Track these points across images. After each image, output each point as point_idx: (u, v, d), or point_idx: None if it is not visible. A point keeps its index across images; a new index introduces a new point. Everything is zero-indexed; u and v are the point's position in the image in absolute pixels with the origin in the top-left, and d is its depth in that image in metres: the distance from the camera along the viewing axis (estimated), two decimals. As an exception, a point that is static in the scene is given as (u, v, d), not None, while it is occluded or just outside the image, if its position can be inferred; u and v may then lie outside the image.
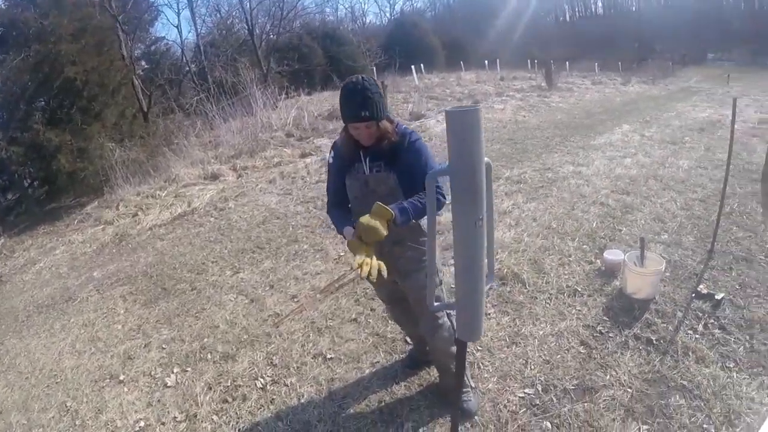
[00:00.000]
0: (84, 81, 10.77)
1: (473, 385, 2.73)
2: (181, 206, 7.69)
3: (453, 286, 1.54)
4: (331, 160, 2.34)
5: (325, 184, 2.38)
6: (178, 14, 27.51)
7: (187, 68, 24.07)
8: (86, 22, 11.87)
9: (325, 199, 2.46)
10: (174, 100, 19.11)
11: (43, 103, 11.41)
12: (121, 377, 3.38)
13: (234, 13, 29.69)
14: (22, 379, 3.66)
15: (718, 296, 3.43)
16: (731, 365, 2.79)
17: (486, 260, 1.42)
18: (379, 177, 2.17)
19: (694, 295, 3.54)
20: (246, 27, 26.93)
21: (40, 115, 10.76)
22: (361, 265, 1.86)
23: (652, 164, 7.24)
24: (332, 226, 5.57)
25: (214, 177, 9.30)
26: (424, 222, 2.29)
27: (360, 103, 1.98)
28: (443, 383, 2.71)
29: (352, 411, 2.71)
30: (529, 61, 29.74)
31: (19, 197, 11.57)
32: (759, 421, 2.38)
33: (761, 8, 46.27)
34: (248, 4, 26.16)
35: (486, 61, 28.13)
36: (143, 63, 22.49)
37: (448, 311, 2.40)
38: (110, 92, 11.92)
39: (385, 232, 1.88)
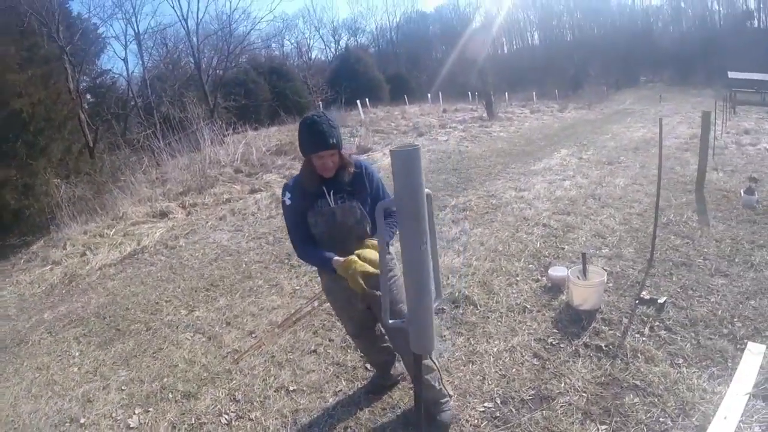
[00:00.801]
0: (30, 114, 10.53)
1: (451, 394, 2.87)
2: (131, 245, 7.57)
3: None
4: (288, 202, 2.37)
5: (282, 223, 2.47)
6: (125, 47, 27.10)
7: (134, 102, 23.72)
8: (34, 51, 11.70)
9: (277, 235, 2.56)
10: (120, 135, 18.80)
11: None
12: (82, 420, 3.33)
13: (181, 47, 29.65)
14: (-24, 428, 3.54)
15: (661, 300, 3.64)
16: (680, 362, 2.97)
17: (432, 280, 1.61)
18: (345, 207, 2.32)
19: (637, 301, 3.74)
20: (192, 61, 26.81)
21: (-18, 149, 10.33)
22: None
23: (590, 185, 7.62)
24: (288, 261, 5.73)
25: (163, 215, 9.20)
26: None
27: (328, 132, 2.14)
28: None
29: (319, 440, 2.78)
30: (469, 93, 30.78)
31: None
32: (713, 409, 2.52)
33: (688, 30, 49.76)
34: (195, 38, 26.11)
35: (429, 95, 29.03)
36: (89, 96, 22.06)
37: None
38: (56, 126, 11.69)
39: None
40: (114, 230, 8.33)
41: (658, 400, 2.66)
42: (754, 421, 2.40)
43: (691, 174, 7.19)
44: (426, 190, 1.51)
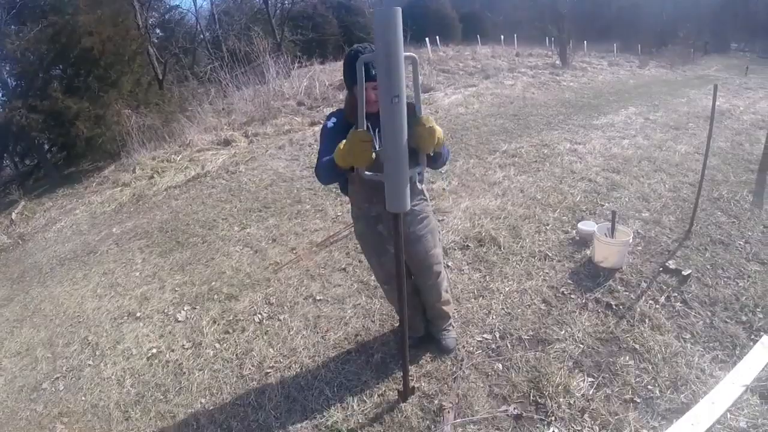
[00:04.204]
0: (101, 50, 11.25)
1: (453, 325, 3.03)
2: (195, 169, 8.17)
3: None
4: (331, 125, 2.25)
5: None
6: (194, -18, 27.80)
7: (201, 36, 24.22)
8: (101, -7, 12.22)
9: None
10: (188, 68, 19.39)
11: (60, 71, 11.86)
12: (138, 314, 3.91)
13: (249, -20, 29.64)
14: (47, 321, 4.20)
15: (686, 272, 3.47)
16: (687, 336, 2.86)
17: (406, 143, 1.73)
18: None
19: (661, 269, 3.59)
20: (260, -6, 26.89)
21: (58, 83, 11.23)
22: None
23: (649, 147, 7.20)
24: (335, 188, 5.87)
25: (227, 143, 9.74)
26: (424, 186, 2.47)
27: (371, 64, 2.02)
28: (432, 321, 2.98)
29: (332, 341, 3.16)
30: (547, 38, 29.08)
31: (38, 162, 12.26)
32: (705, 391, 2.42)
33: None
34: (264, -29, 26.04)
35: (502, 36, 27.63)
36: (158, 31, 22.68)
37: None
38: (126, 61, 12.41)
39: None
40: (180, 156, 8.97)
41: (653, 368, 2.63)
42: (742, 415, 2.28)
43: (759, 153, 6.40)
44: (409, 53, 1.66)
